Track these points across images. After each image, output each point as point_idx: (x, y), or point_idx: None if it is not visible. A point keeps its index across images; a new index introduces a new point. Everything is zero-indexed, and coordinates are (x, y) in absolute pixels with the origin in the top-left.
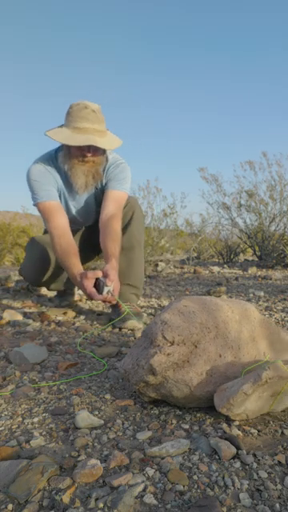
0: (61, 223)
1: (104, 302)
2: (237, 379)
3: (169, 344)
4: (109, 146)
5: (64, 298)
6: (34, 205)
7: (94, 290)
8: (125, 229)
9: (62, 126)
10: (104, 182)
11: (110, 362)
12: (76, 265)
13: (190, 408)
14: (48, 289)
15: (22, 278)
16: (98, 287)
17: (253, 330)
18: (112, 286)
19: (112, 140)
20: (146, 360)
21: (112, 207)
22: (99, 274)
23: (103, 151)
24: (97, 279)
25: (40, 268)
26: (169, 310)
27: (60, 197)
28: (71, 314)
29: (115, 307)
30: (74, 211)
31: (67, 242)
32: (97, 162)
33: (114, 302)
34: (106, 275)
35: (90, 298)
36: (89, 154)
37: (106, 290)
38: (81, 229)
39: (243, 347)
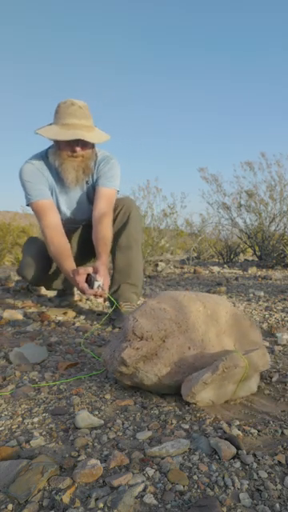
0: (53, 221)
1: (95, 296)
2: (202, 370)
3: (138, 339)
4: (97, 139)
5: (64, 297)
6: (27, 205)
7: (85, 284)
8: (122, 228)
9: (51, 124)
10: (95, 178)
11: None
12: (69, 261)
13: (190, 408)
14: (47, 288)
15: (21, 277)
16: (89, 282)
17: (223, 324)
18: (102, 281)
19: (100, 135)
20: (119, 353)
21: (102, 205)
22: (90, 270)
23: (92, 146)
24: (88, 275)
25: (37, 267)
26: (141, 308)
27: (52, 194)
28: (71, 313)
29: (116, 309)
30: (66, 207)
31: (60, 240)
32: (86, 157)
33: (105, 296)
34: (96, 271)
35: (83, 292)
36: (78, 148)
37: (96, 284)
38: (78, 228)
39: (213, 340)
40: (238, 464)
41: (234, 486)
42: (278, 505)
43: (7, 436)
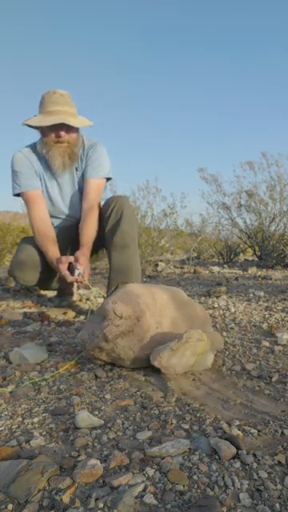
0: (40, 211)
1: (76, 282)
2: (167, 342)
3: (118, 318)
4: (79, 124)
5: (64, 298)
6: (15, 194)
7: (67, 272)
8: (116, 226)
9: (36, 115)
10: (83, 166)
11: None
12: (53, 250)
13: (190, 408)
14: (41, 289)
15: (12, 278)
16: (71, 270)
17: (182, 309)
18: (82, 269)
19: (82, 120)
20: (101, 330)
21: (90, 196)
22: (71, 258)
23: (76, 131)
24: (70, 263)
25: (29, 267)
26: (118, 294)
27: (41, 183)
28: (71, 313)
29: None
30: (57, 196)
31: (45, 229)
32: (72, 143)
33: (85, 283)
34: (76, 260)
35: (65, 279)
36: (62, 133)
37: (76, 272)
38: (75, 224)
39: (174, 322)
40: (237, 464)
41: (234, 486)
42: (277, 505)
43: (7, 436)
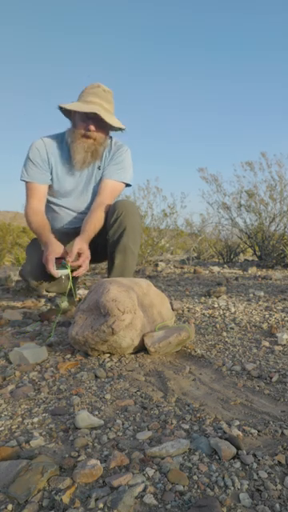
0: (38, 205)
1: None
2: (159, 331)
3: (121, 313)
4: (112, 121)
5: (64, 298)
6: (22, 180)
7: (51, 264)
8: (118, 239)
9: (73, 102)
10: (105, 164)
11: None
12: (48, 236)
13: (190, 408)
14: (49, 291)
15: (23, 280)
16: (57, 264)
17: (157, 302)
18: (69, 270)
19: (116, 120)
20: (108, 325)
21: (103, 195)
22: (60, 253)
23: (107, 132)
24: (60, 258)
25: (41, 268)
26: (110, 291)
27: (56, 174)
28: (71, 313)
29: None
30: (70, 190)
31: (41, 219)
32: (98, 141)
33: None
34: (64, 255)
35: (48, 269)
36: (92, 127)
37: (60, 273)
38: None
39: (156, 313)
40: (238, 464)
41: (234, 486)
42: (277, 505)
43: (7, 436)
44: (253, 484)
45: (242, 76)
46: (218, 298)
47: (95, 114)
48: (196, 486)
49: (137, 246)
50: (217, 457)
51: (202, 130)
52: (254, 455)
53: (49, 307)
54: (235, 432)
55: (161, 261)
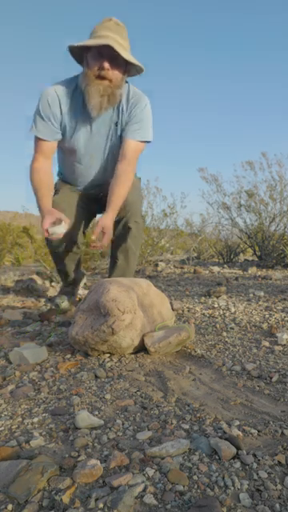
0: (43, 163)
1: (52, 237)
2: (159, 331)
3: (121, 313)
4: (127, 56)
5: (64, 298)
6: (30, 132)
7: (46, 234)
8: (121, 240)
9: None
10: (124, 121)
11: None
12: (46, 198)
13: (190, 408)
14: (60, 268)
15: (40, 262)
16: (54, 226)
17: (157, 302)
18: (63, 228)
19: (132, 58)
20: (108, 325)
21: (128, 158)
22: (57, 217)
23: (123, 71)
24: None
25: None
26: (110, 291)
27: (71, 127)
28: (71, 313)
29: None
30: (83, 143)
31: (43, 177)
32: (114, 83)
33: (104, 249)
34: (59, 221)
35: (45, 233)
36: (106, 64)
37: (52, 230)
38: (99, 195)
39: (155, 313)
40: (238, 464)
41: (234, 486)
42: (277, 505)
43: (7, 436)
44: (253, 484)
45: (242, 76)
46: (218, 298)
47: (108, 47)
48: (196, 486)
49: (138, 247)
50: (217, 457)
51: (202, 129)
52: (254, 455)
53: (49, 307)
54: (235, 432)
55: (161, 261)
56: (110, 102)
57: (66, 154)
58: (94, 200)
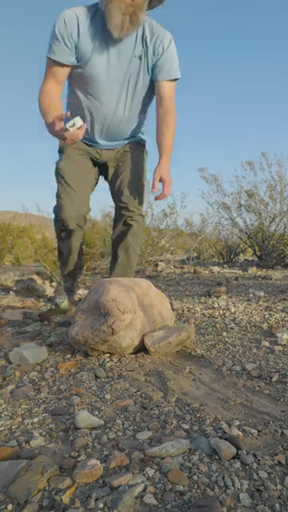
0: (54, 87)
1: (70, 140)
2: (159, 331)
3: (121, 313)
4: None
5: (64, 298)
6: (47, 56)
7: (60, 126)
8: (122, 238)
9: None
10: (150, 54)
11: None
12: (57, 110)
13: (190, 408)
14: (63, 252)
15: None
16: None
17: (157, 302)
18: (79, 120)
19: None
20: (108, 325)
21: (168, 102)
22: (63, 116)
23: None
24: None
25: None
26: (110, 291)
27: (89, 51)
28: (71, 313)
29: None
30: (102, 70)
31: (53, 100)
32: (136, 3)
33: (79, 138)
34: (160, 180)
35: (58, 136)
36: None
37: (72, 122)
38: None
39: (156, 313)
40: (238, 464)
41: (233, 486)
42: (277, 505)
43: (7, 436)
44: (253, 484)
45: (242, 76)
46: (218, 298)
47: None
48: (196, 486)
49: (138, 245)
50: (217, 457)
51: (202, 129)
52: (254, 455)
53: (49, 307)
54: (235, 432)
55: (161, 261)
56: (132, 22)
57: (82, 90)
58: (100, 165)
